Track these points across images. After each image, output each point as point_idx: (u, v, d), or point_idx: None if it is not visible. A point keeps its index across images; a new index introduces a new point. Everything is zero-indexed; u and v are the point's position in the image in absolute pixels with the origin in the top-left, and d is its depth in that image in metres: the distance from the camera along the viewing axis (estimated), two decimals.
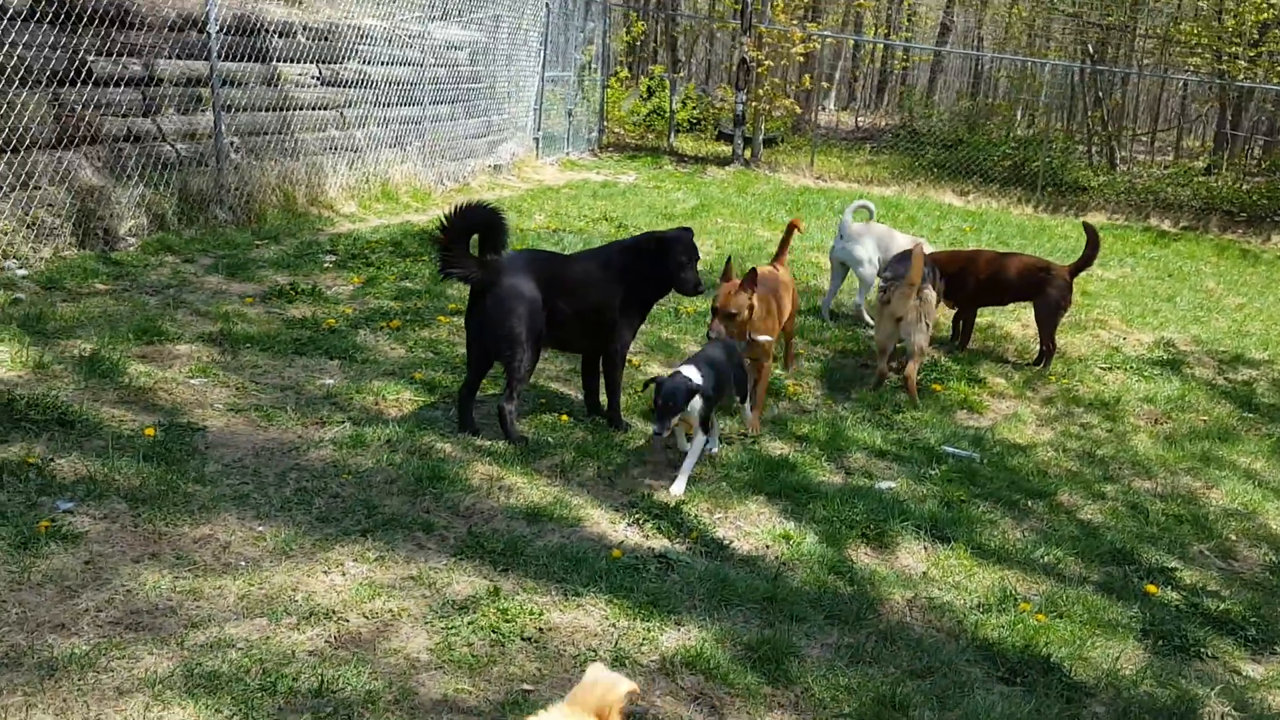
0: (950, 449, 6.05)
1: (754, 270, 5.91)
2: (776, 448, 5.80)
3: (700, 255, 5.64)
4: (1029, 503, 5.50)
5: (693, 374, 5.02)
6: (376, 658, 3.49)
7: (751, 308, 5.79)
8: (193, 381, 5.61)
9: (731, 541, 4.64)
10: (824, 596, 4.25)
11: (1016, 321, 9.18)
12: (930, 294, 6.93)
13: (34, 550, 3.84)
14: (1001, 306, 8.81)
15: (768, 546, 4.66)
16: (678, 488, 5.04)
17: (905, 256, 7.23)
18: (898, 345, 7.03)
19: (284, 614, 3.66)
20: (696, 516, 4.82)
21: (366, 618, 3.71)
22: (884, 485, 5.44)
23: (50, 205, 7.75)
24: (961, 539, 4.90)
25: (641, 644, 3.75)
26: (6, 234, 7.23)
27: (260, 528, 4.23)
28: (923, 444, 6.11)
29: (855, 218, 9.01)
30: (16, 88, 7.58)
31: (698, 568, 4.32)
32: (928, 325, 6.90)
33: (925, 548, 4.84)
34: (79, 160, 8.19)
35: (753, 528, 4.81)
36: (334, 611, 3.71)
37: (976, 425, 6.62)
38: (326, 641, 3.55)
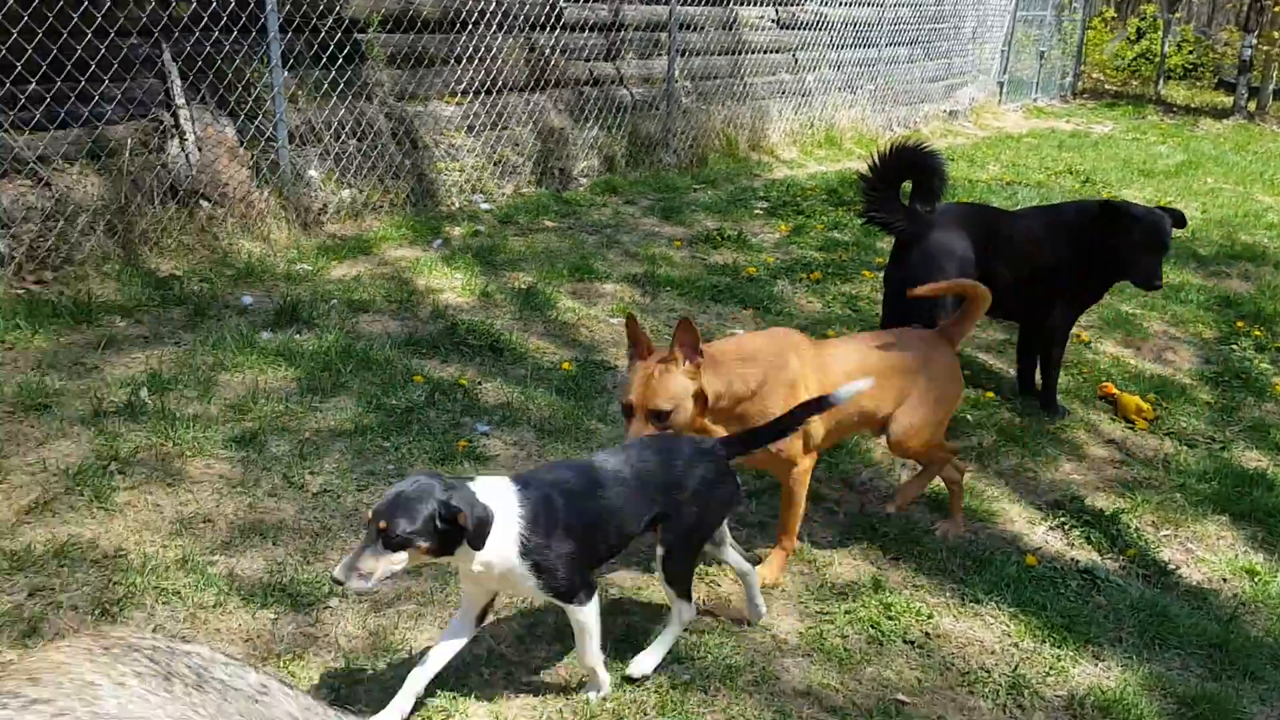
0: None
1: (687, 322, 3.16)
2: (1251, 458, 4.79)
3: (1171, 246, 4.72)
4: None
5: (489, 493, 2.62)
6: (743, 631, 3.28)
7: (702, 397, 3.24)
8: (612, 320, 5.73)
9: (1178, 567, 3.86)
10: None
11: None
12: None
13: (447, 468, 4.08)
14: None
15: (1224, 580, 3.82)
16: None
17: None
18: None
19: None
20: (1137, 530, 4.08)
21: (740, 586, 3.51)
22: None
23: (516, 145, 8.36)
24: None
25: (1047, 674, 3.20)
26: (477, 170, 7.91)
27: None
28: None
29: None
30: (495, 33, 8.21)
31: (1130, 593, 3.63)
32: None
33: None
34: (546, 103, 8.75)
35: (1208, 554, 3.98)
36: (707, 573, 3.56)
37: None
38: (695, 604, 3.40)
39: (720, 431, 3.31)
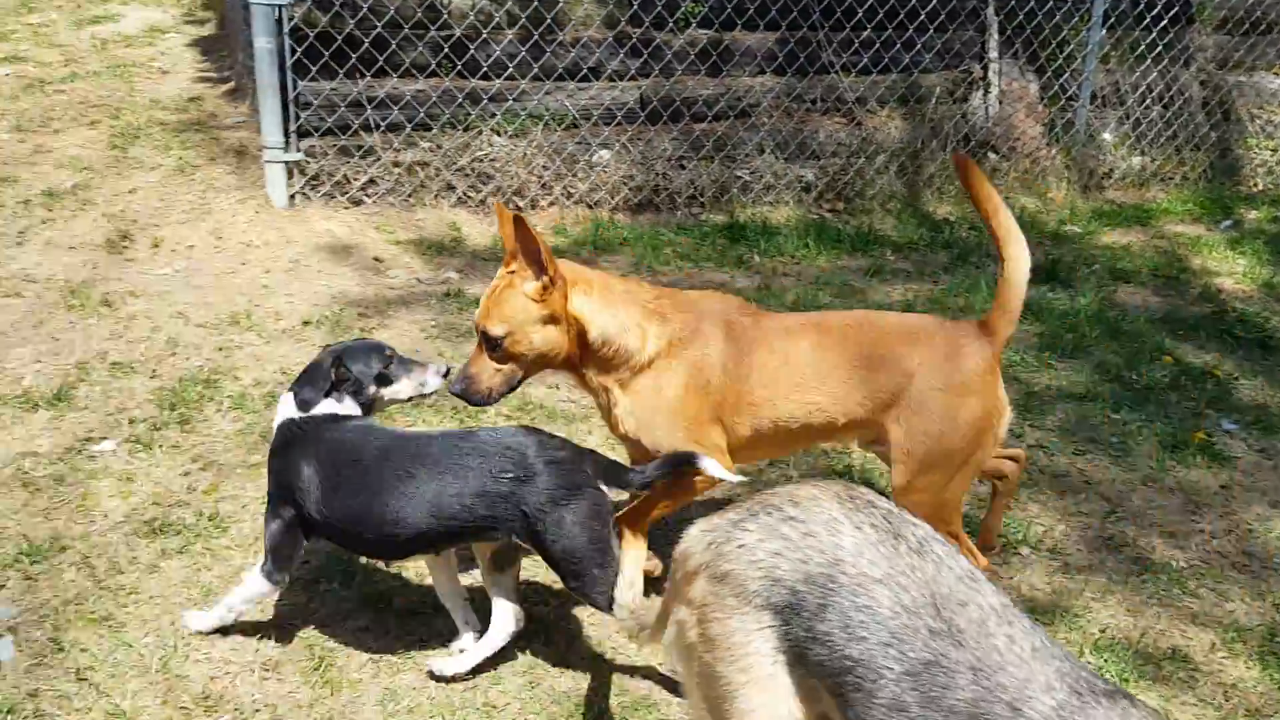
0: None
1: (519, 219, 2.39)
2: None
3: None
4: None
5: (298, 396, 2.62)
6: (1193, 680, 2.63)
7: (579, 327, 2.50)
8: None
9: None
10: None
11: None
12: None
13: (1178, 456, 3.82)
14: None
15: None
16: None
17: None
18: None
19: None
20: None
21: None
22: None
23: None
24: None
25: None
26: None
27: None
28: None
29: None
30: None
31: None
32: None
33: None
34: None
35: None
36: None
37: None
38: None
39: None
